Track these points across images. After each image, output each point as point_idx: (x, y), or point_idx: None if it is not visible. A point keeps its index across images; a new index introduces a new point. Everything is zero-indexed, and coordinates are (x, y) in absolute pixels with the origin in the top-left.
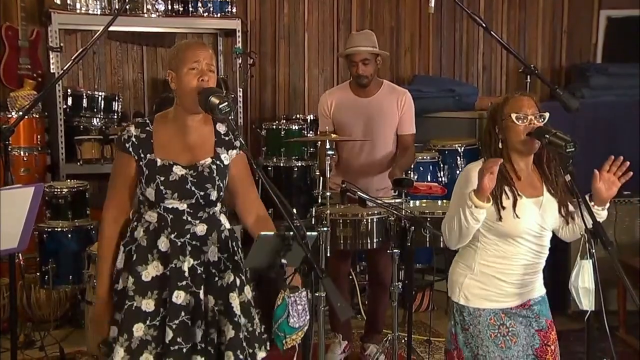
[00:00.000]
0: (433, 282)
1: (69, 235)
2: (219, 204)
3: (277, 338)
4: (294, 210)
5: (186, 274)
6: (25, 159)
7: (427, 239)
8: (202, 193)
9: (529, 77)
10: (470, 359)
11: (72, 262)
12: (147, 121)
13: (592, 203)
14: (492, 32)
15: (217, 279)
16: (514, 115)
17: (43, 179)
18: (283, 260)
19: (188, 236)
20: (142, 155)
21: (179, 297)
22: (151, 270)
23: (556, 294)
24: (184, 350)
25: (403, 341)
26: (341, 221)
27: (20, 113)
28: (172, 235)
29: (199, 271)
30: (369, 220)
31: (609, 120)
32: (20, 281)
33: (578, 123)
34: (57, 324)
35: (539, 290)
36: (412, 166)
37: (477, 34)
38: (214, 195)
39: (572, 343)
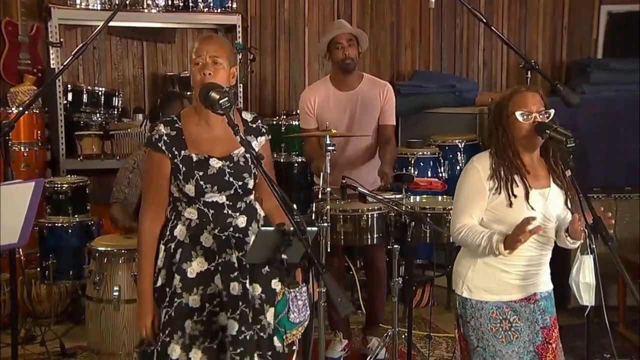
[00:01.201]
0: (433, 277)
1: (69, 231)
2: (253, 192)
3: (277, 333)
4: (294, 206)
5: (236, 265)
6: (25, 154)
7: (428, 235)
8: (240, 183)
9: (529, 72)
10: (472, 351)
11: (72, 257)
12: (175, 118)
13: (567, 234)
14: (492, 28)
15: (260, 266)
16: (517, 113)
17: (43, 175)
18: (283, 256)
19: (231, 229)
20: (175, 153)
21: (235, 288)
22: (195, 267)
23: (556, 289)
24: (247, 337)
25: (403, 337)
26: (341, 217)
27: (21, 108)
28: (216, 231)
29: (244, 262)
30: (369, 216)
31: (610, 115)
32: (21, 276)
33: (578, 119)
34: (58, 319)
35: (546, 284)
36: (412, 162)
37: (478, 29)
38: (250, 184)
39: (572, 338)
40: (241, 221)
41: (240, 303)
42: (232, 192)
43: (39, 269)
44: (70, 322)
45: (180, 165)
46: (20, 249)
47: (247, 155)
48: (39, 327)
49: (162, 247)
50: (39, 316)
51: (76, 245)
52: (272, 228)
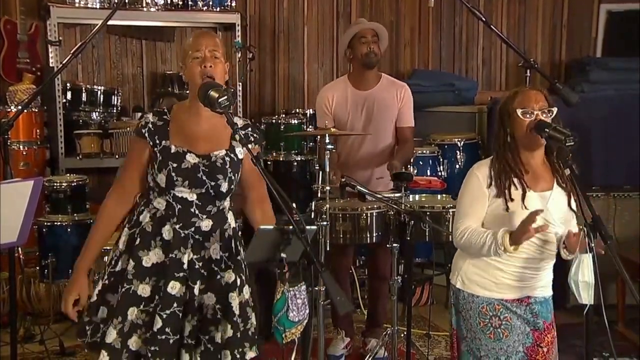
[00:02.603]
0: (432, 276)
1: (69, 230)
2: (228, 199)
3: (276, 332)
4: (294, 205)
5: (185, 266)
6: (24, 153)
7: (427, 233)
8: (212, 183)
9: (528, 71)
10: (461, 339)
11: (71, 256)
12: (166, 110)
13: (564, 246)
14: (491, 26)
15: (218, 277)
16: (519, 111)
17: (42, 173)
18: (282, 255)
19: (192, 229)
20: (157, 142)
21: (174, 287)
22: (152, 257)
23: (555, 288)
24: (171, 341)
25: (402, 335)
26: (341, 215)
27: (20, 107)
28: (177, 226)
29: (197, 266)
30: (369, 215)
31: (609, 114)
32: (20, 275)
33: (578, 117)
34: (57, 318)
35: (543, 290)
36: (412, 160)
37: (477, 28)
38: (224, 187)
39: (571, 337)
40: (206, 224)
41: (175, 304)
42: (203, 191)
43: (38, 268)
44: (70, 321)
45: (158, 155)
46: (20, 248)
47: (227, 158)
48: (38, 325)
49: (126, 231)
50: (38, 315)
51: (75, 244)
52: (271, 227)
